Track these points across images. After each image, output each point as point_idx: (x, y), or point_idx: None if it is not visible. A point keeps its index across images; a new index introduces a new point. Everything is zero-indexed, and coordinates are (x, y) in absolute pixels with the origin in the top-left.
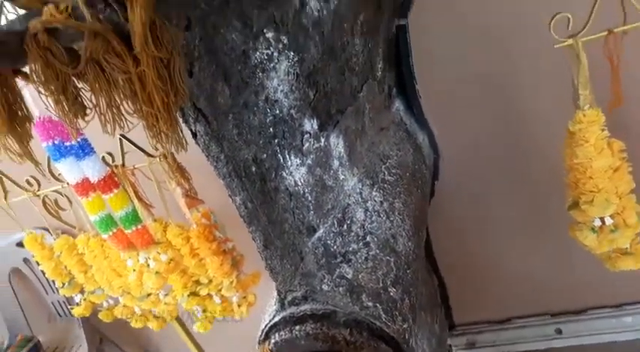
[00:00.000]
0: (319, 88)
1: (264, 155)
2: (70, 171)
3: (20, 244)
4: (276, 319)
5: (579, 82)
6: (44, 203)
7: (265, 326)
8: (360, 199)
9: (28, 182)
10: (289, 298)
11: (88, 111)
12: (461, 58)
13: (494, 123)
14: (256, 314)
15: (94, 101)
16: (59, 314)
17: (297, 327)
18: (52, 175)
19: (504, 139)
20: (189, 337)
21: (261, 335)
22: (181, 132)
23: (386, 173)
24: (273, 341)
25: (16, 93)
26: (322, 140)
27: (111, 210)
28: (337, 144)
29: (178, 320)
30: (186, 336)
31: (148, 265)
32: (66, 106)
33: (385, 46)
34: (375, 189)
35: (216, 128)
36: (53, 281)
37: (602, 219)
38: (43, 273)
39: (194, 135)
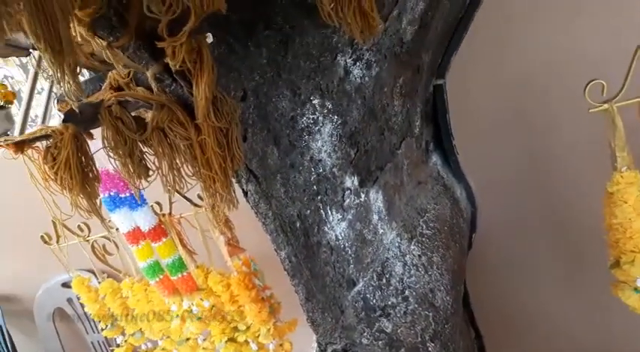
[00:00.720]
0: (360, 147)
1: (308, 211)
2: (123, 220)
3: (65, 285)
4: None
5: (616, 144)
6: (93, 248)
7: None
8: (398, 253)
9: (79, 228)
10: (329, 350)
11: (150, 172)
12: (498, 115)
13: (531, 178)
14: None
15: (156, 164)
16: None
17: None
18: (104, 224)
19: (541, 192)
20: None
21: None
22: (234, 192)
23: (424, 227)
24: None
25: (89, 158)
26: (362, 196)
27: (159, 258)
28: (376, 199)
29: None
30: None
31: (191, 310)
32: (131, 168)
33: (423, 104)
34: (413, 243)
35: (265, 187)
36: (94, 322)
37: None
38: (86, 315)
39: (245, 193)
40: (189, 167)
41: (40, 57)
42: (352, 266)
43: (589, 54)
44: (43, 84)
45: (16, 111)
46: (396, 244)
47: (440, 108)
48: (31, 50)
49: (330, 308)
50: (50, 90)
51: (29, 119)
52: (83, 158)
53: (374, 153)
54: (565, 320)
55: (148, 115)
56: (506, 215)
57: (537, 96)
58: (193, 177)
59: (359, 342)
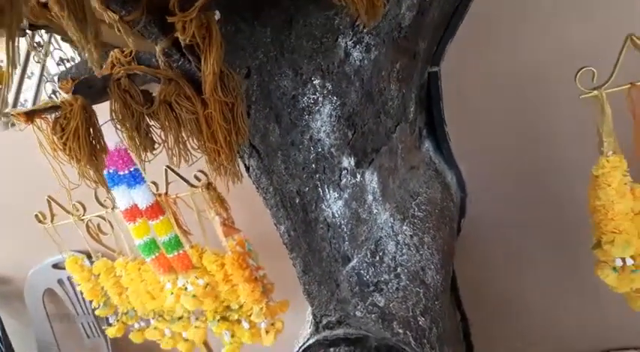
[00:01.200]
0: (357, 129)
1: (307, 188)
2: (121, 198)
3: (56, 266)
4: (311, 342)
5: (603, 130)
6: (87, 227)
7: (299, 349)
8: (391, 232)
9: (74, 207)
10: (324, 322)
11: (156, 145)
12: (491, 102)
13: (521, 164)
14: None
15: (162, 137)
16: (87, 335)
17: (332, 349)
18: (98, 202)
19: (532, 178)
20: None
21: None
22: (238, 166)
23: (416, 209)
24: None
25: (97, 129)
26: (358, 176)
27: (155, 235)
28: (371, 180)
29: (205, 344)
30: None
31: (186, 288)
32: (138, 141)
33: (418, 90)
34: (405, 224)
35: (267, 163)
36: (85, 303)
37: (623, 260)
38: (76, 296)
39: (247, 168)
40: (195, 140)
41: (33, 36)
42: (347, 243)
43: (580, 43)
44: (32, 68)
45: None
46: (389, 224)
47: (434, 95)
48: (27, 30)
49: (326, 282)
50: (41, 74)
51: (19, 104)
52: (91, 129)
53: (370, 135)
54: (553, 306)
55: (155, 90)
56: (496, 201)
57: (529, 85)
58: (198, 150)
59: (353, 315)
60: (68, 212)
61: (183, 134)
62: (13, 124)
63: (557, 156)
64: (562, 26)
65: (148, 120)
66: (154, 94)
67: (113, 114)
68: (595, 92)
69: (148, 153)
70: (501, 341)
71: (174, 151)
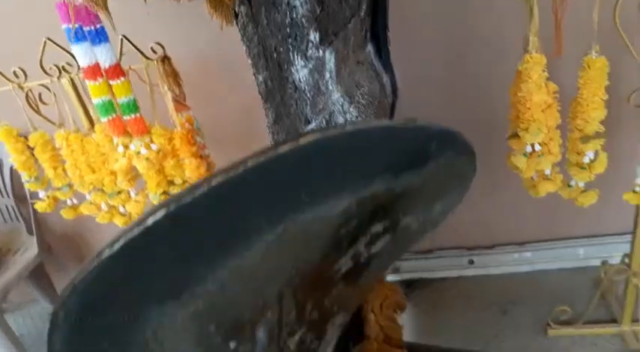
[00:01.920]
0: (324, 7)
1: (282, 49)
2: (83, 54)
3: None
4: None
5: (530, 30)
6: (27, 97)
7: None
8: (341, 110)
9: (14, 73)
10: None
11: None
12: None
13: (450, 68)
14: None
15: None
16: (5, 219)
17: None
18: (42, 69)
19: (465, 90)
20: None
21: None
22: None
23: (360, 97)
24: None
25: None
26: (320, 52)
27: (113, 97)
28: (330, 59)
29: None
30: None
31: (139, 152)
32: None
33: None
34: (352, 106)
35: (255, 12)
36: (3, 185)
37: (532, 146)
38: None
39: (236, 15)
40: None
41: None
42: (308, 107)
43: None
44: None
45: None
46: (340, 103)
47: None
48: None
49: (292, 133)
50: None
51: None
52: None
53: (333, 17)
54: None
55: None
56: (421, 98)
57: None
58: None
59: None
60: (8, 79)
61: None
62: None
63: (483, 63)
64: None
65: None
66: None
67: None
68: None
69: None
70: None
71: None
